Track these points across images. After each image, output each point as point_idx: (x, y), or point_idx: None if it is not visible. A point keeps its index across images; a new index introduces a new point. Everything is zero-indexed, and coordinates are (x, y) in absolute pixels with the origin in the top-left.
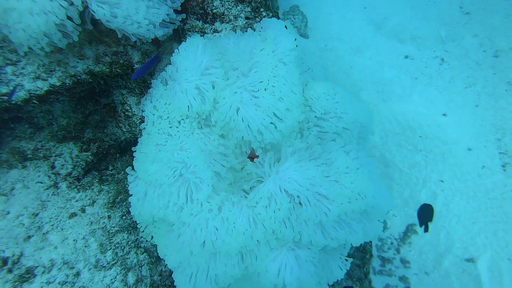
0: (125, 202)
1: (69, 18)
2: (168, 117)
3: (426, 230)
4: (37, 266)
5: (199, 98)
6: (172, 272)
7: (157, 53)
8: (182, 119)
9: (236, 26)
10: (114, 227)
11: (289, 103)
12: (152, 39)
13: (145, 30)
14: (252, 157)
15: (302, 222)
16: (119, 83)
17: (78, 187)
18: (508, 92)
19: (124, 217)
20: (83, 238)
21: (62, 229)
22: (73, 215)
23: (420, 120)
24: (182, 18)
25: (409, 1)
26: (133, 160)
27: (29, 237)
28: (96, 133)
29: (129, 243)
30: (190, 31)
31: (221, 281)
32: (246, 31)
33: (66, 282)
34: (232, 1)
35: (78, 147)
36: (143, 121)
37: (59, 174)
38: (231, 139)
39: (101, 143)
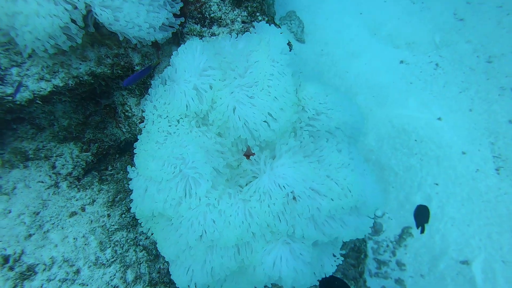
0: (124, 201)
1: (73, 21)
2: (167, 116)
3: (422, 231)
4: (37, 264)
5: (197, 98)
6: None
7: (149, 64)
8: (181, 118)
9: (233, 29)
10: (113, 225)
11: (283, 103)
12: (152, 42)
13: (145, 33)
14: (248, 154)
15: (296, 216)
16: (120, 85)
17: (78, 186)
18: (501, 96)
19: (123, 216)
20: (83, 236)
21: (62, 228)
22: (73, 214)
23: (415, 124)
24: (181, 22)
25: (404, 7)
26: (132, 161)
27: (30, 235)
28: (96, 134)
29: (128, 241)
30: (188, 35)
31: (217, 273)
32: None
33: (66, 280)
34: (229, 6)
35: (79, 147)
36: (142, 121)
37: (59, 174)
38: (228, 137)
39: (101, 143)
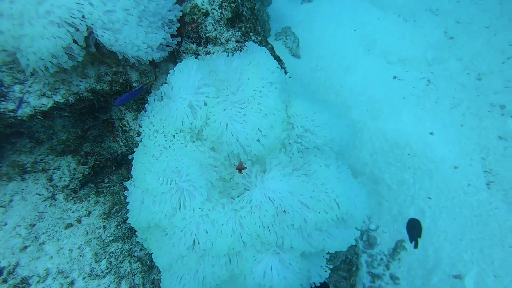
0: (120, 213)
1: (75, 41)
2: (163, 131)
3: (416, 246)
4: (32, 276)
5: (191, 115)
6: None
7: (141, 85)
8: (177, 133)
9: (228, 48)
10: (109, 236)
11: (273, 120)
12: (149, 60)
13: (143, 53)
14: (240, 168)
15: (285, 228)
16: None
17: (75, 198)
18: (491, 113)
19: (119, 227)
20: (79, 247)
21: (58, 239)
22: (69, 225)
23: (408, 138)
24: (177, 42)
25: (396, 24)
26: (128, 173)
27: (26, 247)
28: (94, 147)
29: (123, 252)
30: (184, 53)
31: (209, 282)
32: (237, 53)
33: None
34: (224, 26)
35: (76, 160)
36: (139, 135)
37: (56, 186)
38: (221, 151)
39: (98, 156)
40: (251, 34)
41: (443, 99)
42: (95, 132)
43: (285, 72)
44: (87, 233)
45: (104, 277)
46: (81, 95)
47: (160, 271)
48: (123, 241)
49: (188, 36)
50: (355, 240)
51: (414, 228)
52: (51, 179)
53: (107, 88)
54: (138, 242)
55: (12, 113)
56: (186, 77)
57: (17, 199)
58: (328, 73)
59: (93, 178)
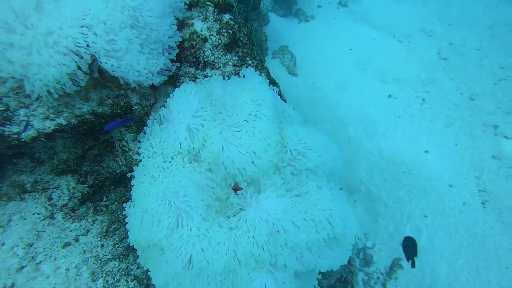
0: (118, 231)
1: (79, 68)
2: (162, 153)
3: (413, 265)
4: None
5: (189, 138)
6: None
7: (132, 116)
8: (175, 155)
9: (225, 72)
10: (106, 255)
11: (267, 144)
12: (149, 84)
13: (144, 78)
14: (236, 188)
15: (278, 247)
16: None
17: (73, 217)
18: (484, 133)
19: (116, 245)
20: (76, 266)
21: (55, 259)
22: (67, 244)
23: (403, 156)
24: (176, 67)
25: (391, 44)
26: (127, 192)
27: (22, 267)
28: (93, 166)
29: (120, 270)
30: (183, 76)
31: None
32: (234, 76)
33: None
34: (222, 51)
35: (76, 179)
36: (139, 155)
37: (55, 205)
38: (217, 173)
39: (97, 175)
40: (247, 58)
41: (437, 118)
42: (95, 152)
43: (280, 95)
44: (85, 251)
45: None
46: (83, 117)
47: None
48: (120, 259)
49: (187, 61)
50: (350, 259)
51: (410, 247)
52: (50, 198)
53: (109, 110)
54: (135, 260)
55: (16, 136)
56: (184, 101)
57: (16, 219)
58: (324, 91)
59: (92, 197)
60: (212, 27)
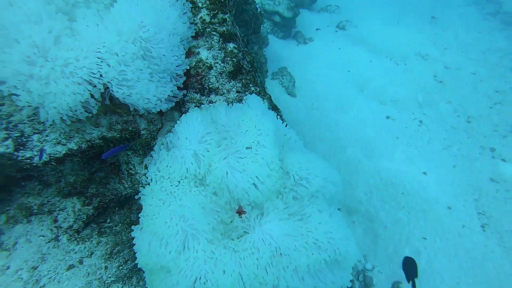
0: (122, 253)
1: (92, 96)
2: (169, 177)
3: (413, 286)
4: None
5: (196, 163)
6: None
7: (128, 144)
8: (182, 179)
9: (229, 98)
10: (110, 277)
11: (269, 170)
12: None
13: (153, 105)
14: (240, 212)
15: (281, 269)
16: (127, 146)
17: (78, 239)
18: (481, 155)
19: (120, 267)
20: None
21: (59, 282)
22: (71, 266)
23: (402, 178)
24: (183, 94)
25: (388, 67)
26: (130, 213)
27: None
28: (99, 189)
29: None
30: (189, 102)
31: None
32: (238, 102)
33: None
34: (226, 78)
35: (81, 201)
36: (146, 178)
37: (61, 227)
38: (222, 197)
39: (102, 197)
40: (250, 85)
41: (434, 140)
42: (101, 174)
43: (282, 120)
44: (88, 274)
45: None
46: (93, 142)
47: None
48: (124, 281)
49: (192, 87)
50: (350, 282)
51: (410, 267)
52: (55, 220)
53: (118, 135)
54: (138, 283)
55: (28, 160)
56: (191, 128)
57: (22, 242)
58: (323, 111)
59: (96, 219)
60: (217, 56)
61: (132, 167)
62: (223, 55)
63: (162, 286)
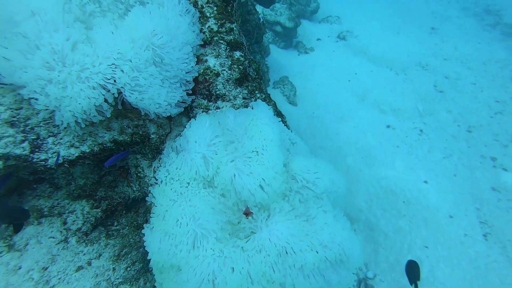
0: (130, 255)
1: (106, 100)
2: (179, 179)
3: None
4: None
5: (204, 166)
6: None
7: (127, 151)
8: (191, 181)
9: (235, 104)
10: (118, 278)
11: (274, 173)
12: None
13: (163, 109)
14: (247, 213)
15: (287, 267)
16: (135, 149)
17: (86, 241)
18: (482, 164)
19: (128, 269)
20: None
21: (68, 282)
22: (80, 268)
23: (402, 186)
24: (192, 99)
25: (388, 77)
26: (138, 217)
27: None
28: (108, 192)
29: None
30: (196, 108)
31: None
32: (243, 108)
33: None
34: (233, 85)
35: (90, 204)
36: (154, 180)
37: (70, 229)
38: (229, 198)
39: (110, 200)
40: (256, 92)
41: (435, 149)
42: (110, 178)
43: (286, 126)
44: (97, 275)
45: None
46: (105, 145)
47: None
48: (131, 283)
49: (200, 93)
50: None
51: (412, 270)
52: (65, 223)
53: (128, 139)
54: (145, 284)
55: (43, 162)
56: (200, 132)
57: (33, 243)
58: (323, 120)
59: (104, 222)
60: (224, 63)
61: (141, 170)
62: (230, 62)
63: (172, 284)
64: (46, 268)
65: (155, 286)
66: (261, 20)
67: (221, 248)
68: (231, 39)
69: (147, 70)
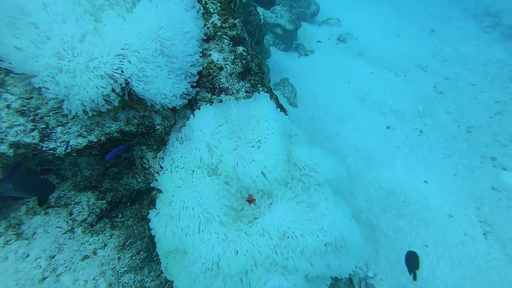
0: (134, 245)
1: (113, 90)
2: (184, 167)
3: (414, 278)
4: None
5: (208, 154)
6: None
7: (129, 143)
8: (196, 168)
9: (238, 97)
10: (123, 267)
11: (276, 160)
12: (172, 106)
13: (169, 100)
14: (250, 200)
15: (289, 251)
16: (140, 141)
17: (92, 231)
18: (482, 164)
19: (133, 258)
20: (93, 278)
21: (74, 271)
22: (85, 257)
23: (402, 186)
24: (196, 92)
25: (388, 79)
26: (142, 209)
27: (44, 278)
28: (113, 183)
29: (135, 282)
30: (200, 101)
31: None
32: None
33: None
34: (236, 79)
35: (96, 196)
36: (158, 172)
37: (76, 220)
38: (233, 185)
39: (115, 192)
40: (258, 85)
41: (435, 149)
42: (115, 169)
43: (288, 117)
44: (102, 264)
45: None
46: (111, 135)
47: None
48: (136, 272)
49: (204, 87)
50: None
51: (411, 260)
52: (71, 213)
53: (134, 130)
54: (149, 273)
55: (52, 151)
56: (205, 122)
57: (40, 232)
58: (324, 122)
59: (108, 213)
60: (228, 58)
61: (146, 161)
62: (233, 57)
63: (179, 266)
64: (53, 257)
65: (159, 274)
66: (262, 21)
67: (225, 232)
68: (234, 34)
69: (154, 61)
